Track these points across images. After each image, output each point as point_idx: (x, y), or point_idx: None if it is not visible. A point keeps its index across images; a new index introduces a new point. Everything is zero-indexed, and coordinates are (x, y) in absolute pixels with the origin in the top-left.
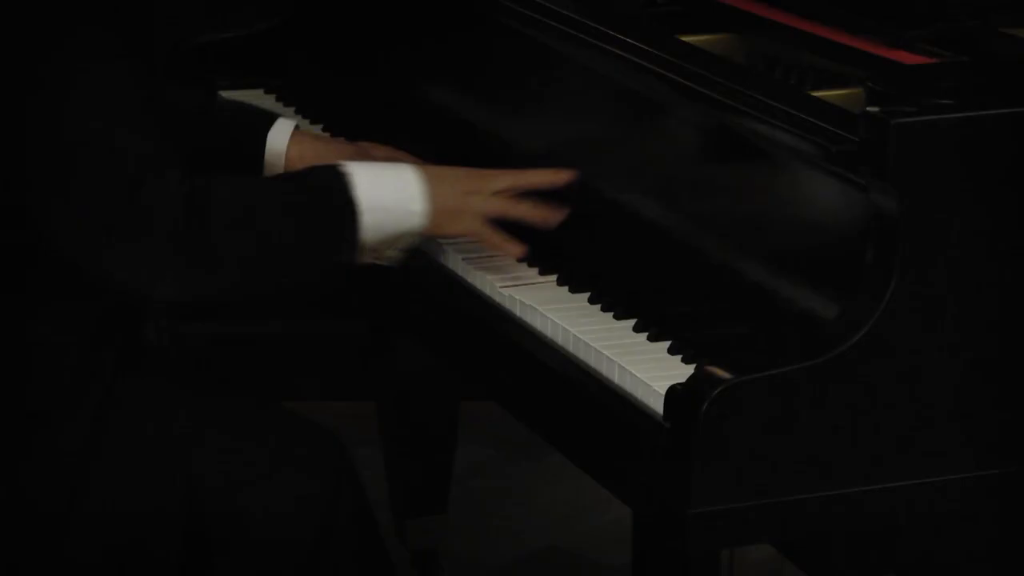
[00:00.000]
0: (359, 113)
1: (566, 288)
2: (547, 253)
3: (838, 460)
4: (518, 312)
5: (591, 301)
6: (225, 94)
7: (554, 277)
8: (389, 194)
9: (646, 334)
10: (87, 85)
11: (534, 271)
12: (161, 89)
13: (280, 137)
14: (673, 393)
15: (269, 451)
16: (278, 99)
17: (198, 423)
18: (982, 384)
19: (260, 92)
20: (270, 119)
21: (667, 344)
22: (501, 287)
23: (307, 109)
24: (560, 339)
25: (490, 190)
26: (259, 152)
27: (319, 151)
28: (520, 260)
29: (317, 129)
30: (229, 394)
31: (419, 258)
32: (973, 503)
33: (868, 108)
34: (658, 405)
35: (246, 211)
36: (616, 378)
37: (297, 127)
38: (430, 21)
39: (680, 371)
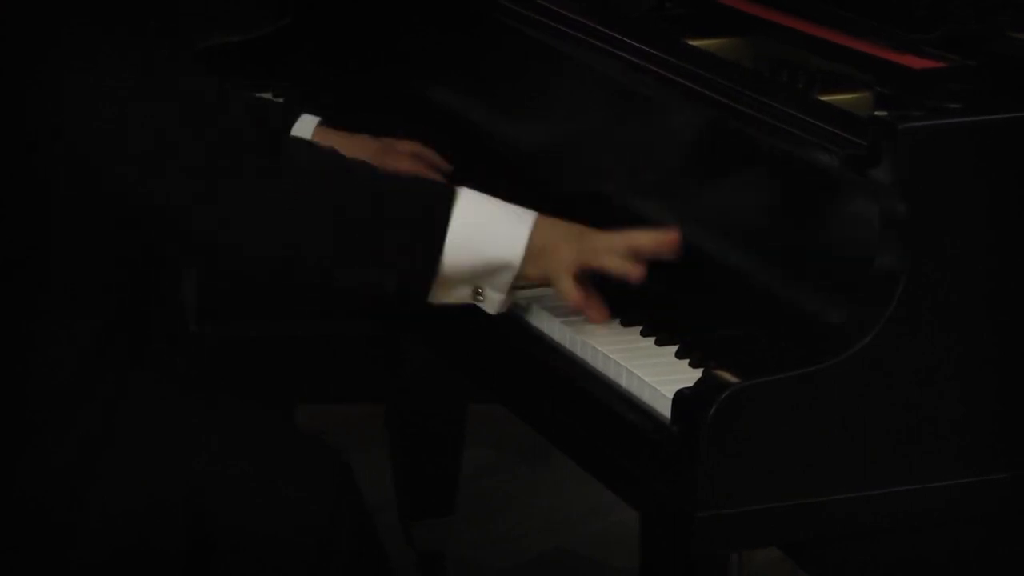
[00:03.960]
0: (364, 114)
1: None
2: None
3: (845, 463)
4: (526, 316)
5: None
6: None
7: None
8: (488, 214)
9: (653, 338)
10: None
11: None
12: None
13: (303, 133)
14: (680, 397)
15: (271, 464)
16: (285, 102)
17: (201, 427)
18: (991, 388)
19: (268, 95)
20: (294, 115)
21: (675, 348)
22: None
23: (314, 110)
24: (568, 343)
25: (595, 246)
26: None
27: (344, 146)
28: None
29: None
30: (234, 397)
31: None
32: (982, 507)
33: (876, 112)
34: (665, 409)
35: (329, 170)
36: (624, 382)
37: (321, 122)
38: (437, 22)
39: (687, 375)
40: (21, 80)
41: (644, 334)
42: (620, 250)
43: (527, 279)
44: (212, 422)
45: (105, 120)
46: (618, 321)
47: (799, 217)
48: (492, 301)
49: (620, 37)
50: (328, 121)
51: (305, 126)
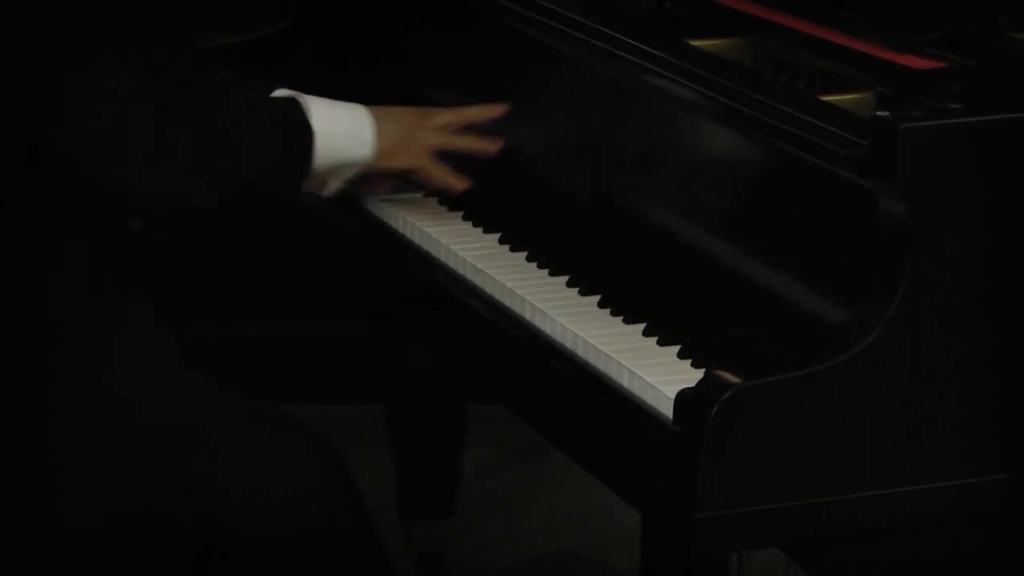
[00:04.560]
0: None
1: (576, 291)
2: (557, 256)
3: (846, 464)
4: (528, 315)
5: (601, 305)
6: None
7: (564, 280)
8: (341, 122)
9: (656, 338)
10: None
11: (544, 273)
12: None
13: None
14: (682, 397)
15: (269, 461)
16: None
17: (207, 423)
18: (992, 388)
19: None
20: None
21: (676, 348)
22: (511, 290)
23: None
24: (570, 343)
25: (433, 125)
26: None
27: None
28: (529, 261)
29: None
30: (235, 396)
31: (425, 260)
32: (982, 508)
33: (877, 112)
34: (667, 409)
35: (212, 102)
36: (625, 382)
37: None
38: (437, 22)
39: (689, 375)
40: (21, 80)
41: (646, 334)
42: (455, 122)
43: (387, 173)
44: (213, 417)
45: (105, 120)
46: (620, 321)
47: (800, 217)
48: (331, 189)
49: (620, 37)
50: None
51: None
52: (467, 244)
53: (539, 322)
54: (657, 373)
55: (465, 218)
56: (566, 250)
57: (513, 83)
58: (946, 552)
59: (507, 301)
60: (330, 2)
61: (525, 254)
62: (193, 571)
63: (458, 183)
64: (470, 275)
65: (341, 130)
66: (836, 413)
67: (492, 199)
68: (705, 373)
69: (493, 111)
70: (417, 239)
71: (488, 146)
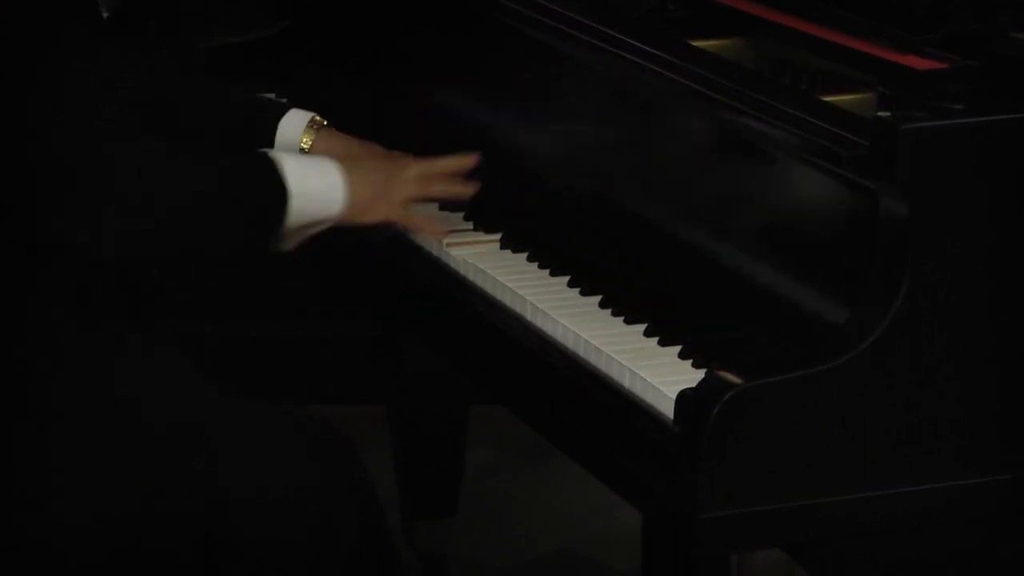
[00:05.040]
0: (364, 114)
1: (577, 292)
2: (558, 257)
3: (847, 464)
4: (529, 316)
5: (602, 305)
6: None
7: (565, 280)
8: (314, 183)
9: (656, 339)
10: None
11: (545, 273)
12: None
13: (292, 128)
14: (683, 398)
15: (276, 453)
16: (288, 103)
17: (207, 423)
18: (992, 389)
19: (271, 96)
20: (282, 110)
21: (677, 349)
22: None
23: (314, 111)
24: (571, 343)
25: (405, 178)
26: (269, 142)
27: (345, 149)
28: (530, 262)
29: None
30: (235, 396)
31: (427, 261)
32: (983, 508)
33: (878, 113)
34: (668, 409)
35: (177, 172)
36: (627, 383)
37: (316, 118)
38: (438, 22)
39: (690, 376)
40: (21, 80)
41: (647, 334)
42: (426, 174)
43: (365, 223)
44: (217, 415)
45: (105, 120)
46: (621, 321)
47: (801, 218)
48: (294, 243)
49: (621, 37)
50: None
51: (294, 121)
52: (465, 244)
53: (540, 322)
54: (658, 373)
55: (466, 219)
56: (567, 250)
57: (513, 83)
58: (947, 552)
59: (508, 301)
60: (330, 2)
61: (526, 254)
62: (194, 572)
63: (437, 230)
64: (471, 275)
65: (314, 191)
66: (837, 413)
67: (493, 199)
68: (706, 373)
69: (465, 162)
70: (417, 239)
71: (463, 191)
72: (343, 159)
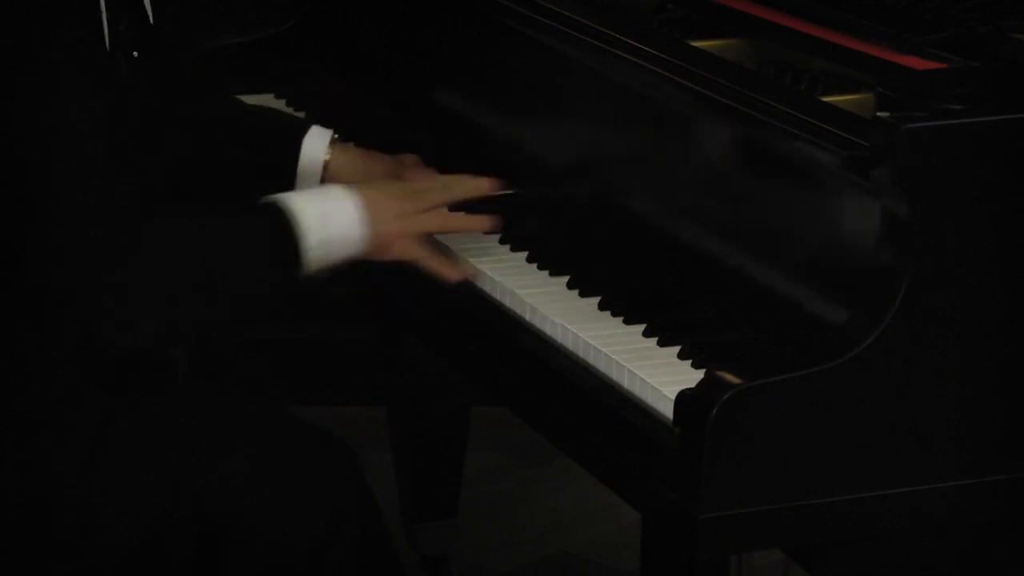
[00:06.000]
0: (367, 116)
1: (576, 292)
2: (557, 257)
3: (848, 465)
4: (528, 317)
5: (601, 306)
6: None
7: (564, 281)
8: (336, 227)
9: (656, 339)
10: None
11: (544, 274)
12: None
13: (316, 146)
14: (683, 398)
15: (274, 455)
16: (288, 103)
17: (206, 426)
18: (994, 389)
19: (271, 96)
20: (304, 127)
21: (677, 349)
22: (511, 291)
23: (317, 113)
24: (570, 344)
25: (421, 209)
26: (293, 160)
27: (360, 164)
28: (529, 262)
29: None
30: (239, 397)
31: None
32: (985, 508)
33: (879, 113)
34: (668, 410)
35: (189, 250)
36: (626, 383)
37: (336, 137)
38: (440, 24)
39: (690, 376)
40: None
41: (646, 335)
42: (445, 202)
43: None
44: (216, 417)
45: (121, 195)
46: (620, 321)
47: (801, 218)
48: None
49: (622, 38)
50: (341, 131)
51: (317, 140)
52: (465, 245)
53: (540, 323)
54: (658, 374)
55: None
56: (567, 251)
57: (515, 83)
58: (947, 553)
59: (507, 302)
60: (334, 3)
61: (525, 254)
62: (199, 570)
63: (453, 274)
64: (472, 278)
65: (337, 234)
66: (837, 413)
67: (492, 200)
68: (706, 374)
69: (485, 186)
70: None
71: (485, 224)
72: (361, 181)
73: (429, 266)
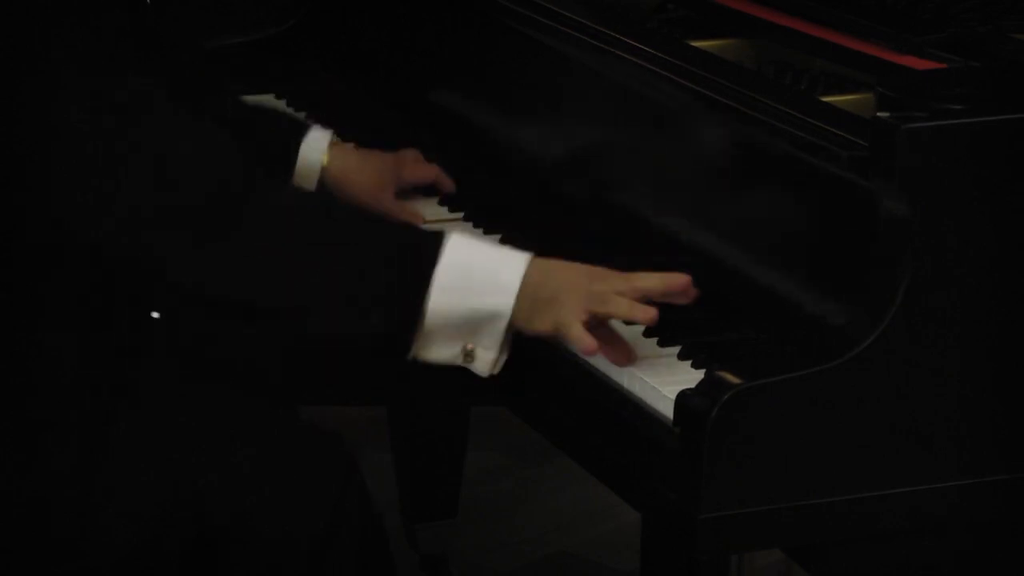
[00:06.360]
0: (367, 116)
1: None
2: (557, 258)
3: (848, 465)
4: None
5: None
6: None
7: None
8: (477, 258)
9: (656, 339)
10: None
11: None
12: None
13: (314, 148)
14: (683, 398)
15: (274, 456)
16: (288, 103)
17: (204, 426)
18: (995, 389)
19: (271, 97)
20: (303, 128)
21: (677, 350)
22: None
23: (317, 113)
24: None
25: (606, 290)
26: (290, 163)
27: (358, 165)
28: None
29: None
30: (239, 397)
31: None
32: (985, 509)
33: (878, 113)
34: (668, 410)
35: (307, 217)
36: (626, 383)
37: (335, 139)
38: (440, 25)
39: (690, 376)
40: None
41: (647, 335)
42: (629, 294)
43: (534, 333)
44: (214, 417)
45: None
46: (620, 322)
47: (801, 218)
48: (484, 361)
49: (622, 38)
50: (341, 131)
51: (316, 141)
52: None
53: None
54: (658, 374)
55: (466, 219)
56: (567, 251)
57: (515, 83)
58: (947, 553)
59: None
60: (334, 2)
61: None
62: (199, 569)
63: (626, 359)
64: None
65: (475, 266)
66: (837, 414)
67: (493, 200)
68: (706, 374)
69: (677, 285)
70: None
71: (648, 317)
72: (357, 171)
73: (583, 348)
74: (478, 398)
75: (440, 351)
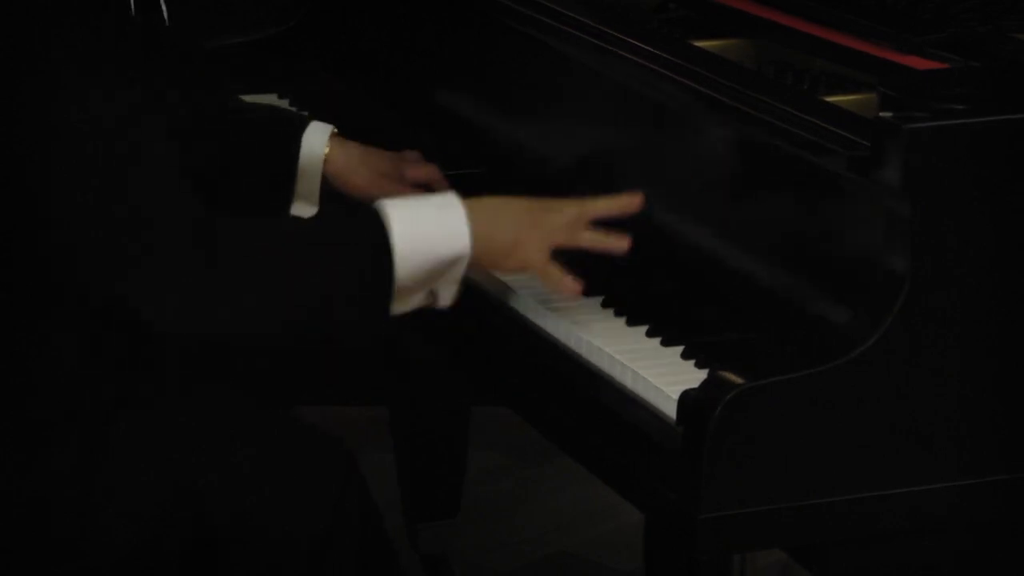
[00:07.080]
0: (367, 116)
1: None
2: (559, 259)
3: (848, 465)
4: (531, 317)
5: (604, 306)
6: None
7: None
8: (428, 222)
9: (659, 339)
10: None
11: None
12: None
13: (316, 140)
14: (686, 398)
15: (274, 456)
16: (291, 103)
17: (204, 426)
18: (995, 389)
19: (273, 96)
20: (304, 122)
21: (680, 349)
22: (514, 291)
23: (319, 112)
24: (572, 343)
25: (556, 223)
26: (293, 156)
27: (360, 158)
28: None
29: None
30: (239, 397)
31: None
32: (985, 509)
33: (881, 113)
34: (671, 410)
35: (262, 245)
36: (629, 383)
37: (336, 132)
38: (440, 25)
39: (693, 376)
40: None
41: (650, 335)
42: (584, 222)
43: (503, 273)
44: (214, 418)
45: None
46: (623, 322)
47: (803, 218)
48: (446, 297)
49: (623, 38)
50: (342, 131)
51: (317, 133)
52: None
53: (542, 323)
54: (660, 374)
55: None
56: (569, 251)
57: (515, 83)
58: (947, 553)
59: (510, 302)
60: (334, 2)
61: None
62: (198, 569)
63: (573, 287)
64: (473, 276)
65: (427, 231)
66: (839, 414)
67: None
68: (708, 374)
69: (627, 203)
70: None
71: (616, 244)
72: (359, 161)
73: (548, 281)
74: (478, 398)
75: (411, 302)
